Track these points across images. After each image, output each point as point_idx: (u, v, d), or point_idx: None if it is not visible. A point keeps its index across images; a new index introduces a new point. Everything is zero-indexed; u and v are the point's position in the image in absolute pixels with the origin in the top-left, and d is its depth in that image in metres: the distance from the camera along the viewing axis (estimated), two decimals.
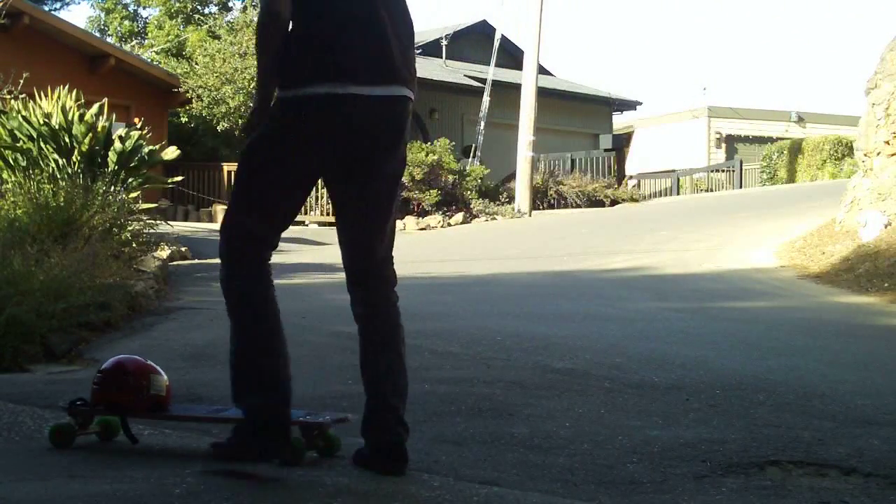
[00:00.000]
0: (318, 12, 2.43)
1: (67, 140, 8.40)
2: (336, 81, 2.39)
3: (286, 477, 2.41)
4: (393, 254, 2.65)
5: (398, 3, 2.53)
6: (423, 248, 11.82)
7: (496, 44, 20.73)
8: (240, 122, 17.83)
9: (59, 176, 7.87)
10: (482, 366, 4.04)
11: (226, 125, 17.74)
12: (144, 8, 27.04)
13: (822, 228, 9.87)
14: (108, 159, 8.60)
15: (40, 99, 8.95)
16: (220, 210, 17.04)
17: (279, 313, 2.54)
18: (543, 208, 18.70)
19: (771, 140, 27.61)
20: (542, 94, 19.25)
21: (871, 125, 9.24)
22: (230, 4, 26.18)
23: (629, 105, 27.71)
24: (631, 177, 23.29)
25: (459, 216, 16.55)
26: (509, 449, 2.78)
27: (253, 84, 17.45)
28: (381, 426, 2.48)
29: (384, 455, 2.47)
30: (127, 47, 22.70)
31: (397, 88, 2.47)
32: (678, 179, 24.84)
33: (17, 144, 8.31)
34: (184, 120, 18.74)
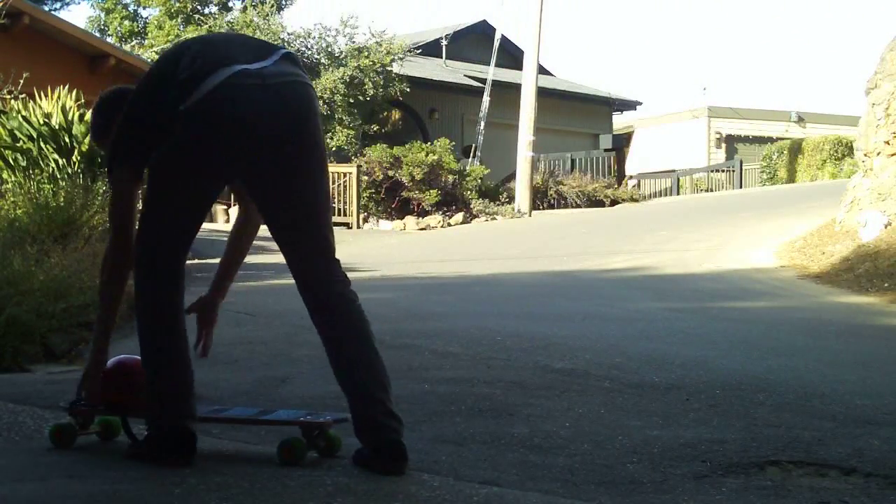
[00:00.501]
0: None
1: (67, 140, 8.40)
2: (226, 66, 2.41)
3: (286, 477, 2.41)
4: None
5: None
6: (423, 248, 11.83)
7: (496, 44, 20.74)
8: None
9: (59, 176, 7.87)
10: (482, 366, 4.03)
11: None
12: (144, 8, 27.02)
13: (822, 228, 9.87)
14: None
15: (40, 99, 8.95)
16: (219, 210, 17.03)
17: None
18: (543, 208, 18.71)
19: (771, 140, 27.62)
20: (542, 94, 19.26)
21: (871, 125, 9.24)
22: (230, 4, 26.16)
23: (629, 105, 27.72)
24: (631, 177, 23.31)
25: (459, 216, 16.56)
26: (509, 449, 2.78)
27: None
28: (374, 425, 2.48)
29: (384, 455, 2.46)
30: (127, 47, 22.69)
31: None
32: (678, 179, 24.85)
33: (17, 144, 8.31)
34: None
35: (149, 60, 19.84)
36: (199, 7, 25.48)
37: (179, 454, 2.46)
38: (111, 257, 2.62)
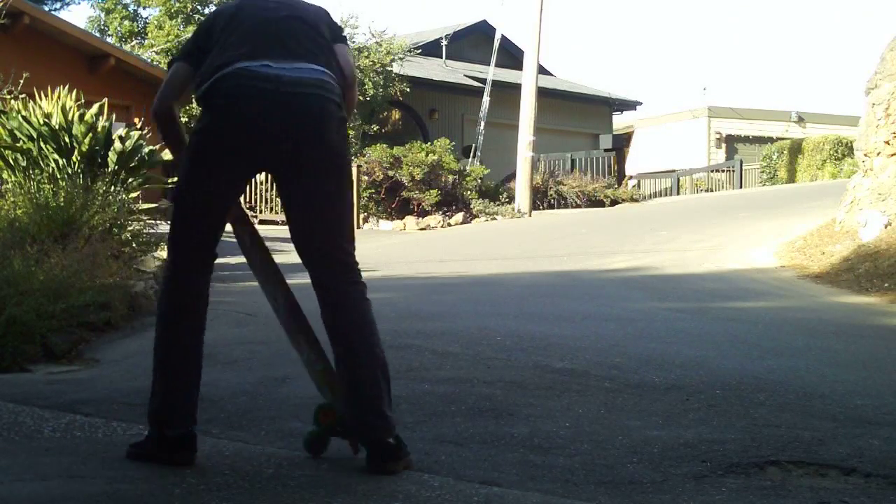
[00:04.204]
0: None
1: (67, 140, 8.40)
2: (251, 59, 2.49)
3: (286, 477, 2.41)
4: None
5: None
6: (422, 248, 11.83)
7: (496, 44, 20.74)
8: None
9: (59, 176, 7.86)
10: (482, 366, 4.03)
11: None
12: (144, 8, 26.99)
13: (822, 228, 9.87)
14: (108, 159, 8.59)
15: (40, 99, 8.95)
16: None
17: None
18: (543, 208, 18.71)
19: (771, 140, 27.63)
20: (542, 94, 19.26)
21: (871, 125, 9.24)
22: None
23: (629, 105, 27.72)
24: (631, 177, 23.30)
25: (459, 216, 16.56)
26: (509, 449, 2.78)
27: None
28: (363, 425, 2.50)
29: (372, 455, 2.48)
30: (127, 47, 22.68)
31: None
32: (678, 179, 24.86)
33: (17, 144, 8.30)
34: (184, 120, 18.74)
35: (149, 60, 19.85)
36: (199, 7, 25.48)
37: (179, 454, 2.47)
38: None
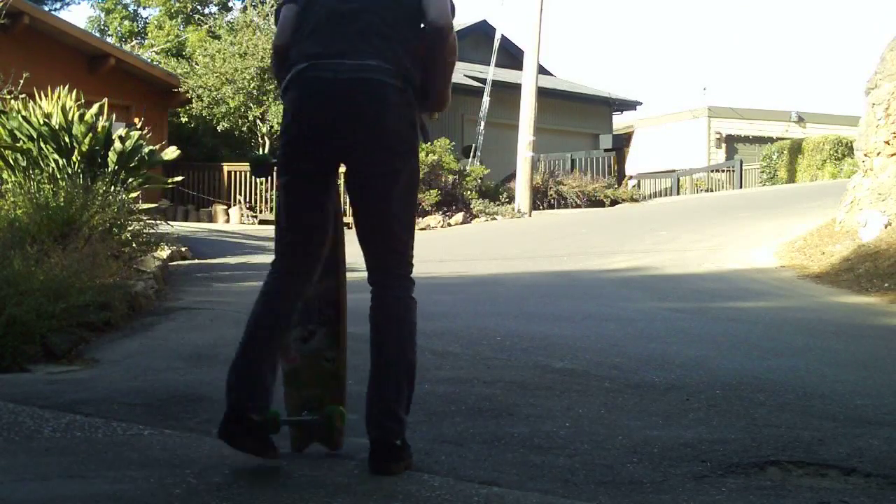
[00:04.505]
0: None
1: (67, 140, 8.40)
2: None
3: (286, 477, 2.41)
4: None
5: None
6: (422, 247, 11.78)
7: (496, 44, 20.73)
8: (239, 122, 17.86)
9: (59, 176, 7.86)
10: (482, 366, 4.03)
11: (226, 125, 17.73)
12: (144, 8, 27.04)
13: (822, 228, 9.87)
14: (108, 159, 8.60)
15: (40, 99, 8.95)
16: (219, 210, 17.04)
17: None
18: (543, 208, 18.70)
19: (771, 140, 27.63)
20: (542, 94, 19.25)
21: (871, 125, 9.24)
22: (230, 4, 26.19)
23: (629, 105, 27.70)
24: (631, 177, 23.29)
25: (459, 216, 16.55)
26: (509, 449, 2.78)
27: (253, 84, 17.52)
28: (372, 423, 2.50)
29: (373, 453, 2.48)
30: (127, 47, 22.69)
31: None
32: (678, 179, 24.85)
33: (17, 144, 8.31)
34: (184, 120, 18.75)
35: (149, 60, 19.86)
36: (199, 7, 25.49)
37: (233, 438, 2.46)
38: None
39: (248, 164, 17.76)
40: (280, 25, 2.70)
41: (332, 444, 2.69)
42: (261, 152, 17.79)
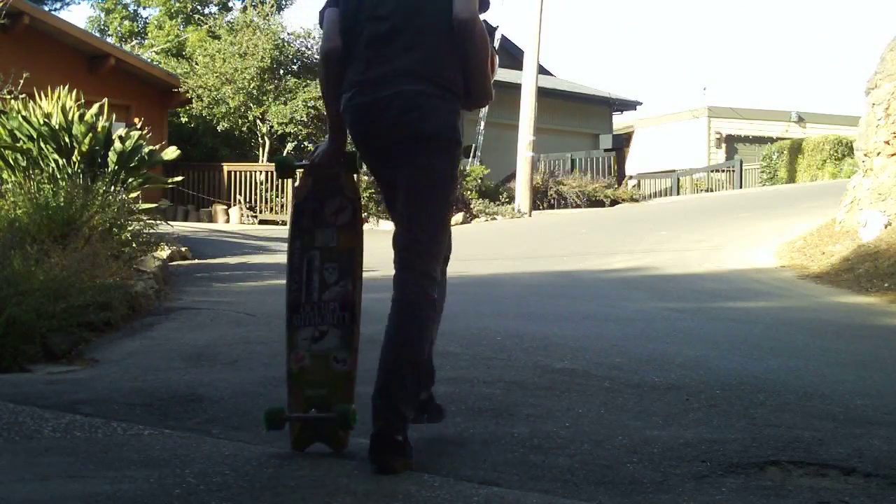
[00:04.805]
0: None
1: (67, 140, 8.40)
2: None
3: (286, 477, 2.41)
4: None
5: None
6: None
7: (496, 44, 20.72)
8: (239, 122, 17.86)
9: (59, 176, 7.87)
10: (482, 366, 4.03)
11: (226, 125, 17.73)
12: (144, 8, 27.04)
13: (822, 228, 9.87)
14: (108, 159, 8.60)
15: (40, 99, 8.95)
16: (219, 210, 17.04)
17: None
18: (543, 208, 18.71)
19: (771, 140, 27.63)
20: (542, 94, 19.25)
21: (871, 125, 9.24)
22: (230, 4, 26.19)
23: (629, 105, 27.71)
24: (631, 177, 23.30)
25: (459, 216, 16.55)
26: (509, 449, 2.78)
27: (253, 84, 17.52)
28: (374, 414, 2.51)
29: (371, 446, 2.48)
30: (127, 47, 22.70)
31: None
32: (678, 179, 24.86)
33: (17, 144, 8.31)
34: (184, 120, 18.75)
35: (149, 60, 19.85)
36: (199, 7, 25.49)
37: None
38: None
39: (249, 163, 17.82)
40: (326, 30, 2.82)
41: (338, 444, 2.67)
42: (283, 153, 17.81)
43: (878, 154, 9.08)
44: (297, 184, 2.97)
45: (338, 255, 2.79)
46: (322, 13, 2.85)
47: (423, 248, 2.69)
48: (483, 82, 2.75)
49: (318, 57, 18.99)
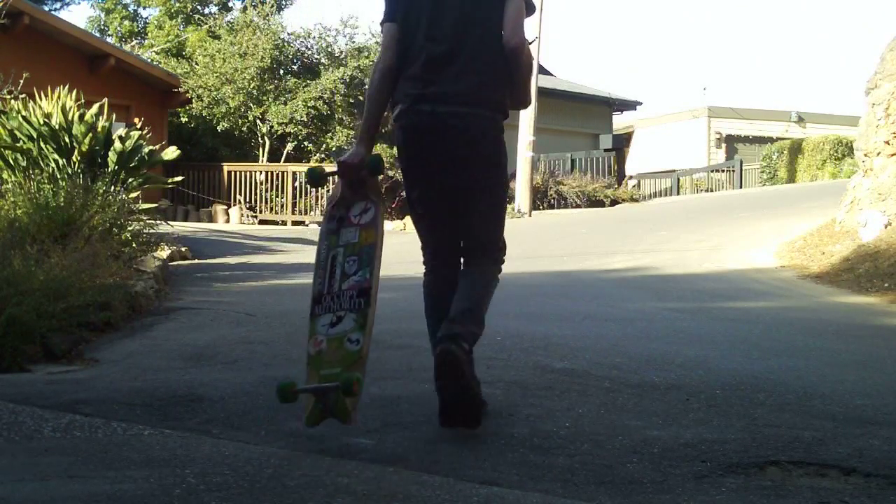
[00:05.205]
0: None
1: (67, 140, 8.40)
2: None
3: (286, 477, 2.41)
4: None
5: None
6: None
7: None
8: (239, 122, 17.86)
9: (59, 176, 7.87)
10: (482, 366, 4.02)
11: (226, 125, 17.73)
12: (144, 8, 27.04)
13: (822, 228, 9.87)
14: (108, 159, 8.61)
15: (40, 99, 8.96)
16: (219, 210, 17.04)
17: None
18: (543, 208, 18.71)
19: (771, 140, 27.64)
20: (542, 94, 19.26)
21: (871, 125, 9.24)
22: (230, 4, 26.19)
23: (629, 105, 27.72)
24: (631, 177, 23.30)
25: None
26: (509, 449, 2.78)
27: (253, 84, 17.52)
28: (436, 342, 2.91)
29: (435, 364, 2.83)
30: (127, 47, 22.69)
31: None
32: (678, 179, 24.86)
33: (17, 144, 8.31)
34: (184, 120, 18.75)
35: (149, 60, 19.85)
36: (199, 7, 25.49)
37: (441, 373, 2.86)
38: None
39: (249, 163, 17.82)
40: (385, 45, 3.13)
41: (345, 417, 2.72)
42: (283, 154, 17.76)
43: (878, 154, 9.08)
44: (332, 189, 3.27)
45: (359, 249, 3.02)
46: (382, 25, 3.17)
47: (479, 243, 3.17)
48: (525, 93, 3.18)
49: (317, 56, 19.05)
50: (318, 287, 2.99)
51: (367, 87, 3.25)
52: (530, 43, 3.21)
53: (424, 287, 3.26)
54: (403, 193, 3.33)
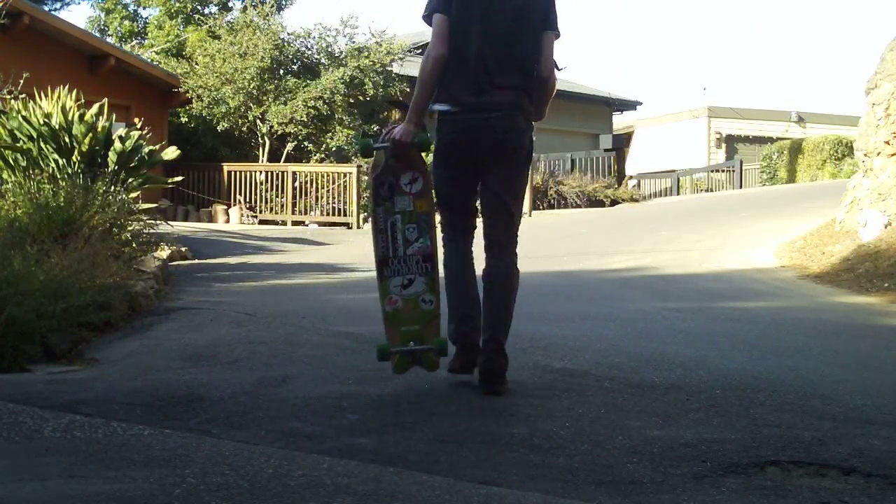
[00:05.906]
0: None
1: (67, 140, 8.40)
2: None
3: (286, 477, 2.41)
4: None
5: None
6: None
7: None
8: (239, 122, 17.86)
9: (59, 176, 7.86)
10: None
11: (226, 125, 17.72)
12: (144, 8, 27.01)
13: (822, 228, 9.87)
14: (108, 159, 8.60)
15: (40, 99, 8.95)
16: (219, 210, 17.03)
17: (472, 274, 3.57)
18: (543, 208, 18.72)
19: (771, 140, 27.63)
20: None
21: (871, 125, 9.24)
22: (230, 4, 26.15)
23: (629, 105, 27.71)
24: (631, 177, 23.30)
25: None
26: (509, 449, 2.78)
27: (253, 84, 17.50)
28: (482, 351, 3.42)
29: (484, 380, 3.38)
30: (127, 47, 22.68)
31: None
32: (678, 179, 24.86)
33: (17, 144, 8.31)
34: (184, 120, 18.74)
35: (149, 60, 19.85)
36: (199, 7, 25.47)
37: (470, 355, 3.50)
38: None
39: (249, 163, 17.83)
40: (438, 34, 3.43)
41: (431, 366, 3.46)
42: (283, 154, 17.79)
43: (878, 154, 9.08)
44: (373, 161, 3.61)
45: (417, 217, 3.47)
46: (429, 15, 3.47)
47: (497, 239, 3.52)
48: (544, 110, 3.63)
49: (317, 56, 19.05)
50: (382, 251, 3.45)
51: (419, 72, 3.50)
52: (559, 70, 3.55)
53: (446, 262, 3.60)
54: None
